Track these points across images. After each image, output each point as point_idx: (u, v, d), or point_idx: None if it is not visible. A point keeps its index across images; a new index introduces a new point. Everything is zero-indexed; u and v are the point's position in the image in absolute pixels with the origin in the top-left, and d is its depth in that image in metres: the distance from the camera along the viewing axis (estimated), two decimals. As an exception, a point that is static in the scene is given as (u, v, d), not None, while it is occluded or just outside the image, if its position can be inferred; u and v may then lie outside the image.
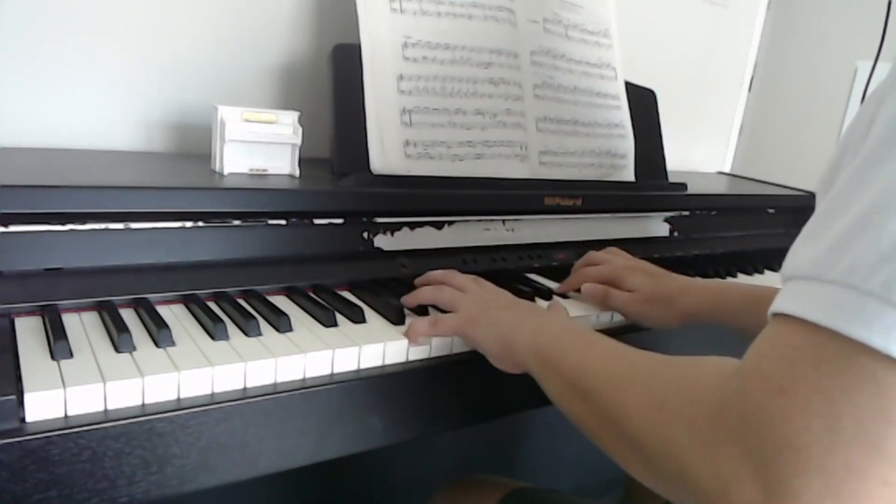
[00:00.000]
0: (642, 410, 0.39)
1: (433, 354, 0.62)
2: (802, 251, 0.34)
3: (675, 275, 0.75)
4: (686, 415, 0.36)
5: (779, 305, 0.34)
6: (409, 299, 0.66)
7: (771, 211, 1.24)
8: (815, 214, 0.35)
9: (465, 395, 0.64)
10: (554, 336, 0.53)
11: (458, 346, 0.63)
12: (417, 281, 0.70)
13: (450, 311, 0.62)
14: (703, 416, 0.35)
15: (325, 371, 0.56)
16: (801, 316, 0.32)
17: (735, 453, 0.32)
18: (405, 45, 0.84)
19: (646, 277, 0.74)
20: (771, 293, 0.66)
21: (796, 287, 0.33)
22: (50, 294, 0.57)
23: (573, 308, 0.74)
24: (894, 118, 0.32)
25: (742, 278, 1.00)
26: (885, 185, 0.31)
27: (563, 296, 0.79)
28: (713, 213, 1.13)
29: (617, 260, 0.79)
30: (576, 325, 0.55)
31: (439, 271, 0.69)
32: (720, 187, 1.35)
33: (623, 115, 1.06)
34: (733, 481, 0.32)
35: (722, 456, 0.33)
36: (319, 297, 0.68)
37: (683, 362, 0.40)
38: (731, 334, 0.69)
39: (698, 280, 0.74)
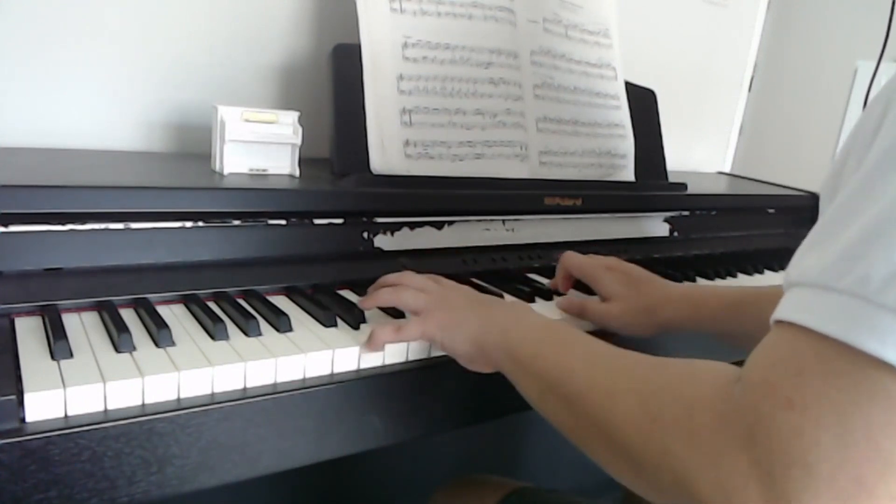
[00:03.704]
0: (635, 420, 0.38)
1: (433, 354, 0.62)
2: (809, 258, 0.33)
3: (656, 279, 0.72)
4: (685, 426, 0.35)
5: (784, 313, 0.33)
6: (367, 302, 0.62)
7: (771, 211, 1.24)
8: (822, 220, 0.34)
9: (465, 395, 0.64)
10: (524, 335, 0.52)
11: (458, 346, 0.63)
12: (373, 286, 0.64)
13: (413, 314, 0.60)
14: (704, 428, 0.34)
15: (325, 371, 0.56)
16: (809, 326, 0.31)
17: (740, 466, 0.31)
18: (405, 45, 0.84)
19: (625, 285, 0.71)
20: (753, 296, 0.66)
21: (803, 295, 0.32)
22: (50, 294, 0.57)
23: (554, 311, 0.73)
24: None
25: (742, 278, 1.00)
26: None
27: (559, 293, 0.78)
28: (713, 213, 1.13)
29: (596, 259, 0.76)
30: (545, 321, 0.54)
31: (394, 274, 0.65)
32: (720, 187, 1.35)
33: (623, 115, 1.06)
34: (738, 494, 0.31)
35: (726, 468, 0.32)
36: (319, 297, 0.68)
37: (675, 368, 0.39)
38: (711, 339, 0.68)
39: (678, 287, 0.72)
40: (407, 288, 0.61)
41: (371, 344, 0.57)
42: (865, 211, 0.31)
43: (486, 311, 0.57)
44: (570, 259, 0.77)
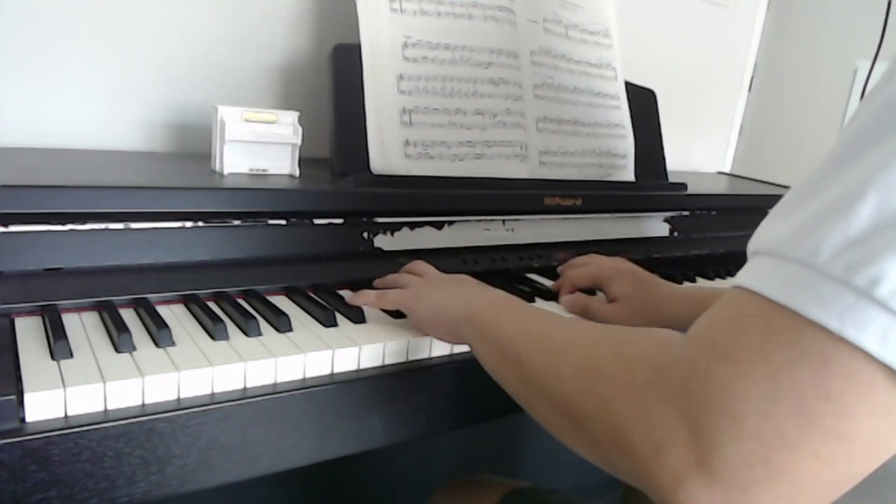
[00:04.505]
0: (578, 375, 0.39)
1: (433, 354, 0.62)
2: (770, 228, 0.34)
3: (660, 280, 0.74)
4: (624, 379, 0.36)
5: (739, 279, 0.34)
6: (379, 281, 0.70)
7: (771, 211, 1.24)
8: (788, 193, 0.35)
9: (466, 395, 0.64)
10: (487, 305, 0.54)
11: (458, 348, 0.63)
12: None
13: None
14: (641, 380, 0.34)
15: (325, 371, 0.56)
16: (758, 290, 0.32)
17: (671, 415, 0.32)
18: (405, 45, 0.84)
19: (632, 286, 0.72)
20: None
21: (758, 263, 0.33)
22: (50, 294, 0.57)
23: (558, 312, 0.73)
24: (880, 109, 0.32)
25: (742, 278, 1.00)
26: (862, 172, 0.31)
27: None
28: (713, 213, 1.13)
29: (603, 260, 0.78)
30: (506, 296, 0.56)
31: (411, 263, 0.71)
32: (720, 187, 1.35)
33: (623, 115, 1.06)
34: (666, 443, 0.32)
35: (657, 418, 0.33)
36: (319, 297, 0.68)
37: (624, 331, 0.40)
38: None
39: (682, 287, 0.74)
40: (408, 274, 0.68)
41: (355, 297, 0.64)
42: (829, 187, 0.32)
43: (456, 287, 0.61)
44: (573, 271, 0.78)
